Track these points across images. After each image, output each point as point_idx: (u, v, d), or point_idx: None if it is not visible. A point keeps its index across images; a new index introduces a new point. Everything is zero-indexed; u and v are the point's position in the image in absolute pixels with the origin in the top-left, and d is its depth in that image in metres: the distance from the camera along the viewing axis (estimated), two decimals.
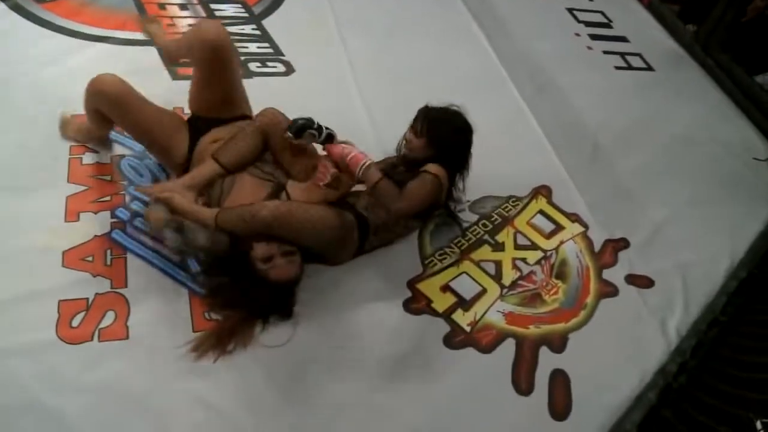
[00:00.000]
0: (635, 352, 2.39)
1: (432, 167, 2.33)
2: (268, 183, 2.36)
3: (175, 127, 2.46)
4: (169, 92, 2.86)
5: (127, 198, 2.46)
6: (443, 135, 2.39)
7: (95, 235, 2.32)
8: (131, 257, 2.28)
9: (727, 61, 3.98)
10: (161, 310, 2.15)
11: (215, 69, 2.41)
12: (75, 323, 2.06)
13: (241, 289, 2.15)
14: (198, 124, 2.47)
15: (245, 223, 2.15)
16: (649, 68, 3.99)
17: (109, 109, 2.38)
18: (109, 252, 2.28)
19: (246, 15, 3.52)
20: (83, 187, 2.47)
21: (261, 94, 2.66)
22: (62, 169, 2.52)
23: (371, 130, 2.95)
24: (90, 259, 2.24)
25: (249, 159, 2.39)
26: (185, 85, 2.73)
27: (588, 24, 4.25)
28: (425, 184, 2.28)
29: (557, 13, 4.31)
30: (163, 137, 2.43)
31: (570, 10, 4.35)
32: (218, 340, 2.09)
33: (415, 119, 2.44)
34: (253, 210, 2.15)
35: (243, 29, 3.41)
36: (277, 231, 2.14)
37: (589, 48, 4.03)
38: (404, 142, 2.46)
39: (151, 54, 3.11)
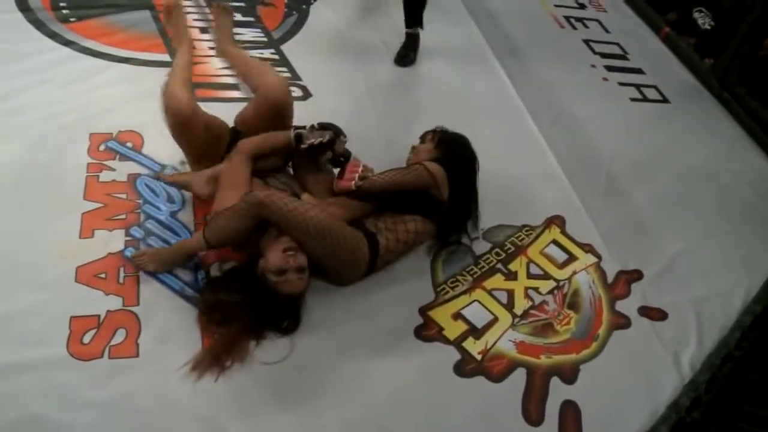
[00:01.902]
0: (647, 385, 2.36)
1: (428, 163, 2.51)
2: (284, 193, 2.38)
3: (221, 143, 2.52)
4: None
5: (142, 217, 2.47)
6: (451, 143, 2.65)
7: (109, 253, 2.33)
8: (144, 276, 2.29)
9: (744, 94, 3.97)
10: (171, 329, 2.16)
11: (277, 119, 2.54)
12: (86, 340, 2.07)
13: (245, 300, 2.15)
14: (238, 138, 2.50)
15: (236, 215, 2.19)
16: (665, 100, 3.99)
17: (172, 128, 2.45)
18: (122, 270, 2.29)
19: (265, 40, 3.57)
20: (99, 205, 2.49)
21: None
22: (79, 186, 2.54)
23: (388, 155, 2.94)
24: (103, 276, 2.26)
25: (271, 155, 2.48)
26: (204, 108, 2.77)
27: (604, 55, 4.26)
28: (409, 171, 2.47)
29: (574, 44, 4.32)
30: (210, 157, 2.49)
31: (586, 42, 4.36)
32: (215, 358, 2.09)
33: (424, 133, 2.72)
34: (244, 197, 2.21)
35: (262, 53, 3.44)
36: (268, 214, 2.17)
37: (605, 79, 4.04)
38: (410, 155, 2.69)
39: None
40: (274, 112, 2.54)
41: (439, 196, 2.50)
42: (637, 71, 4.18)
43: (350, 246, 2.29)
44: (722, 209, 3.24)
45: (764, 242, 3.08)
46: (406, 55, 3.70)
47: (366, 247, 2.33)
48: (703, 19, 4.56)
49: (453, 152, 2.62)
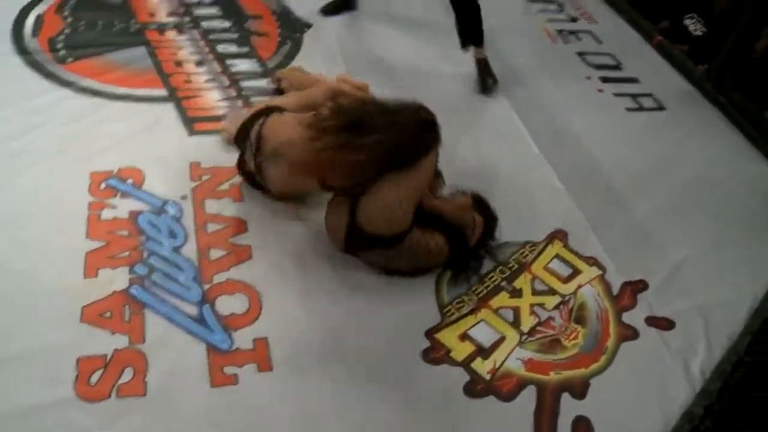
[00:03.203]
0: (659, 396, 2.35)
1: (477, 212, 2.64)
2: None
3: None
4: (184, 148, 2.93)
5: (145, 253, 2.48)
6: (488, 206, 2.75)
7: (114, 291, 2.33)
8: (149, 313, 2.29)
9: (740, 98, 3.98)
10: (179, 366, 2.15)
11: None
12: (93, 380, 2.06)
13: None
14: None
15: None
16: (661, 108, 3.99)
17: None
18: (127, 308, 2.29)
19: (261, 70, 3.58)
20: (102, 243, 2.49)
21: None
22: (81, 225, 2.55)
23: None
24: (108, 315, 2.26)
25: None
26: (201, 141, 2.83)
27: (598, 67, 4.27)
28: (458, 208, 2.61)
29: (568, 57, 4.33)
30: None
31: (580, 54, 4.38)
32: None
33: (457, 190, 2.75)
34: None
35: (258, 83, 3.46)
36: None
37: (600, 91, 4.05)
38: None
39: (169, 110, 3.17)
40: None
41: (468, 239, 2.57)
42: (632, 81, 4.19)
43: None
44: (725, 215, 3.23)
45: None
46: (484, 82, 3.70)
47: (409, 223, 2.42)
48: (694, 26, 4.59)
49: (489, 214, 2.71)
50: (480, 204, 2.70)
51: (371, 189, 2.35)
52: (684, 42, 4.58)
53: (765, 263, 2.96)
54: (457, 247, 2.56)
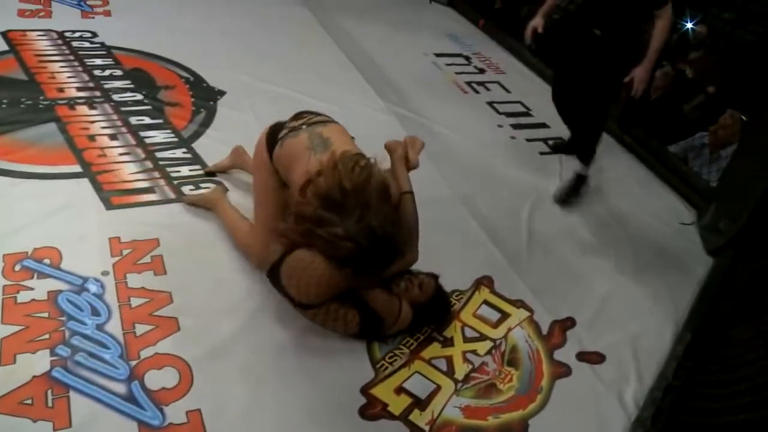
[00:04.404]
0: (597, 429, 2.39)
1: (407, 307, 2.58)
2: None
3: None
4: (103, 223, 2.85)
5: (67, 334, 2.38)
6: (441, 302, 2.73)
7: (34, 376, 2.22)
8: (75, 395, 2.19)
9: (643, 136, 4.19)
10: None
11: None
12: None
13: None
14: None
15: None
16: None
17: None
18: (50, 392, 2.18)
19: (176, 140, 3.55)
20: (19, 327, 2.38)
21: (197, 214, 2.66)
22: None
23: None
24: (29, 401, 2.14)
25: None
26: (119, 215, 2.75)
27: (509, 115, 4.45)
28: (391, 300, 2.55)
29: (479, 107, 4.50)
30: None
31: (490, 104, 4.55)
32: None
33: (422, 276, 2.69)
34: None
35: (174, 153, 3.42)
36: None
37: (513, 138, 4.20)
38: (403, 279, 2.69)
39: (84, 186, 3.10)
40: None
41: (382, 329, 2.52)
42: (543, 126, 4.37)
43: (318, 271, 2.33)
44: (641, 247, 3.38)
45: (684, 271, 3.24)
46: (569, 195, 3.65)
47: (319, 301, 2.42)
48: None
49: (433, 312, 2.64)
50: (432, 306, 2.63)
51: (307, 255, 2.33)
52: None
53: (683, 288, 3.11)
54: (367, 330, 2.52)
